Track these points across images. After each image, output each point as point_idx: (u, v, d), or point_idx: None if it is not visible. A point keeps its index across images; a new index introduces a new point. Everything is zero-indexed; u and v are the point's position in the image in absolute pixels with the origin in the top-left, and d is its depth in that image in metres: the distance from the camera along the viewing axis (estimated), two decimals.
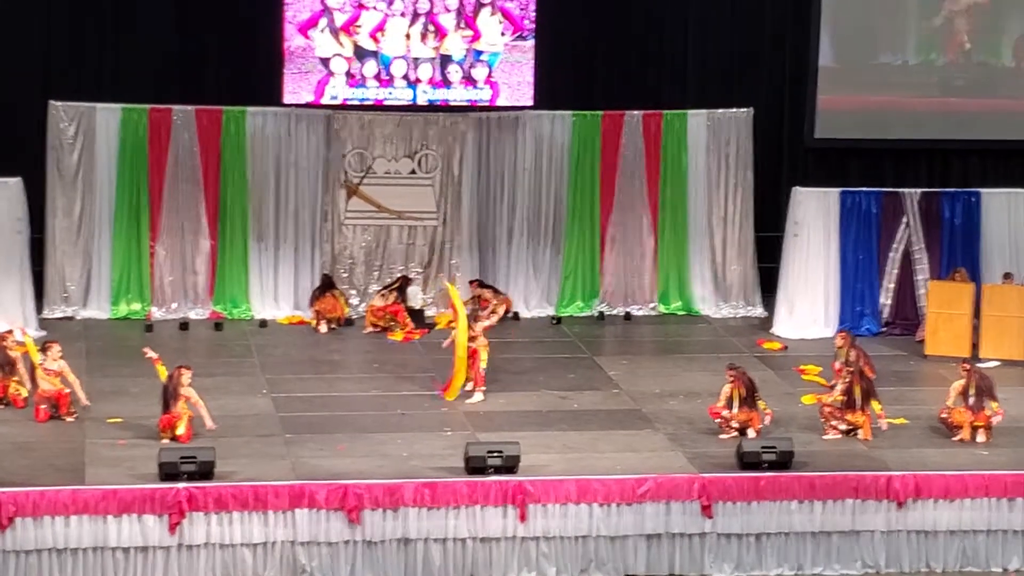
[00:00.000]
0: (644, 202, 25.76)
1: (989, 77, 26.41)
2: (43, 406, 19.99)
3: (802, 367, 22.75)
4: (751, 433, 19.65)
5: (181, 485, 17.54)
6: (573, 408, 20.96)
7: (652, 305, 25.82)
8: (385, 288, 24.78)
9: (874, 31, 26.26)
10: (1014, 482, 18.59)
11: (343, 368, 22.70)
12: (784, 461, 18.56)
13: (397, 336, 24.00)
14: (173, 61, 25.14)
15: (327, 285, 24.71)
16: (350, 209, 25.37)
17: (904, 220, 25.00)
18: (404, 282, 24.82)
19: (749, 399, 19.89)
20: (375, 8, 24.61)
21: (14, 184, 23.84)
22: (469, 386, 21.23)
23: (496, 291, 25.08)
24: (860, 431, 19.89)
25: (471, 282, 25.03)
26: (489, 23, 24.81)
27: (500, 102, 25.08)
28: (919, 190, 25.32)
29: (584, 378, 22.30)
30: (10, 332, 21.11)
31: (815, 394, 21.26)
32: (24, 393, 20.48)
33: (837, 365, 21.33)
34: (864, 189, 25.19)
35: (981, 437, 19.88)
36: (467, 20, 24.77)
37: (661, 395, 21.53)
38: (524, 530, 18.04)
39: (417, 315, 24.58)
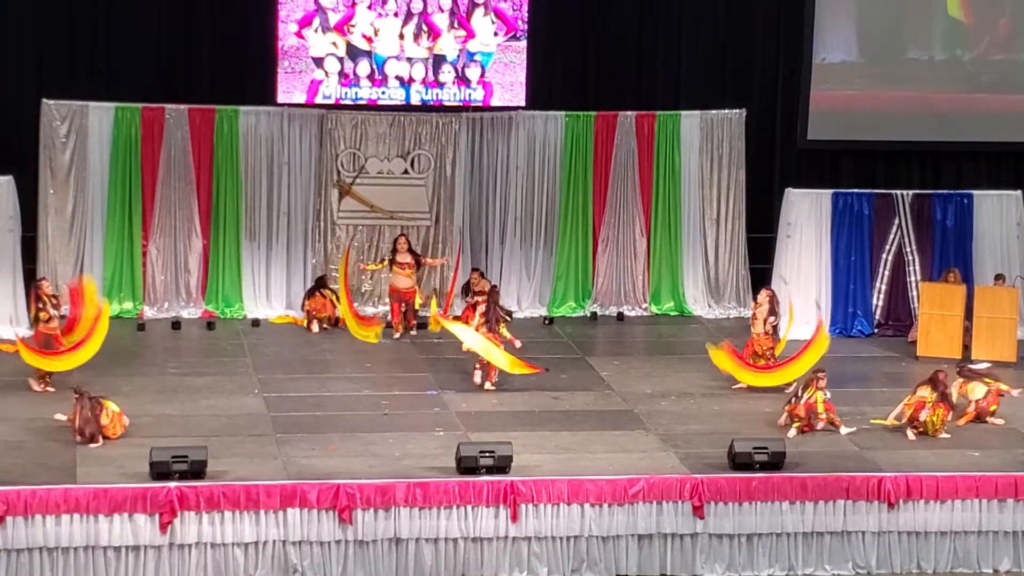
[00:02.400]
0: (637, 203, 25.78)
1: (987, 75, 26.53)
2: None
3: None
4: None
5: (172, 484, 17.53)
6: (565, 408, 20.96)
7: (644, 306, 25.84)
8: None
9: (873, 29, 26.34)
10: (1004, 483, 18.63)
11: (335, 368, 22.70)
12: (776, 462, 18.58)
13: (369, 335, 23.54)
14: (166, 60, 25.12)
15: (319, 285, 24.71)
16: (343, 209, 25.37)
17: (896, 221, 25.04)
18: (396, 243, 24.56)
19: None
20: (369, 8, 24.62)
21: (6, 182, 23.83)
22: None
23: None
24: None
25: (474, 270, 25.02)
26: (482, 23, 24.82)
27: (493, 102, 25.09)
28: (911, 191, 25.37)
29: (576, 378, 22.31)
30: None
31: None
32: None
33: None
34: (856, 190, 25.23)
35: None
36: (460, 20, 24.78)
37: (653, 395, 21.55)
38: (516, 530, 18.05)
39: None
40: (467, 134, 25.46)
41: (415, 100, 24.94)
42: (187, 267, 25.06)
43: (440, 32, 24.77)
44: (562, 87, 25.85)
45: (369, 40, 24.69)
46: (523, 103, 25.16)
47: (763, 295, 22.51)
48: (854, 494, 18.44)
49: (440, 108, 25.13)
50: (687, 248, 25.92)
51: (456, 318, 22.80)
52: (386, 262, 24.19)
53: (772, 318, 22.31)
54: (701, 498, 18.22)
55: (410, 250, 24.25)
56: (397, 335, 23.63)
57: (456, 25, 24.78)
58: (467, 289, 24.81)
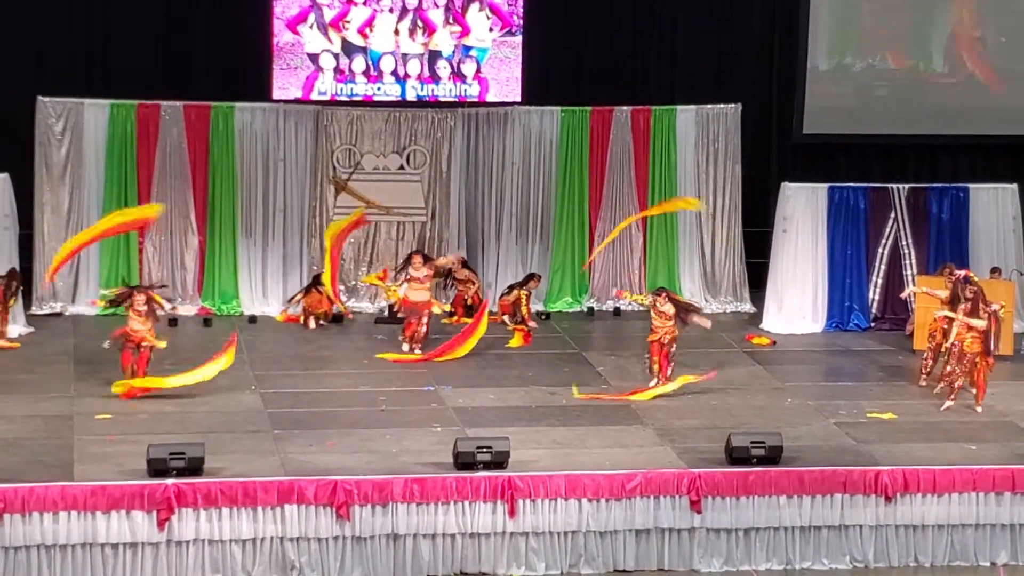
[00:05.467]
0: (633, 198, 25.78)
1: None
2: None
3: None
4: None
5: (170, 481, 17.52)
6: (562, 404, 20.96)
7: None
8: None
9: (862, 31, 26.38)
10: (1002, 476, 18.63)
11: (332, 364, 22.69)
12: (773, 456, 18.58)
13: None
14: (162, 57, 25.15)
15: (316, 282, 24.70)
16: (339, 205, 25.36)
17: (892, 215, 25.05)
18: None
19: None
20: (364, 4, 24.61)
21: (2, 180, 23.80)
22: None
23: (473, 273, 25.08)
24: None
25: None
26: (478, 19, 24.82)
27: (489, 98, 25.08)
28: (907, 185, 25.37)
29: (573, 373, 22.30)
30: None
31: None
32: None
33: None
34: (852, 184, 25.23)
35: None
36: (456, 16, 24.77)
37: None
38: (513, 525, 18.04)
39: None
40: (463, 130, 25.46)
41: (411, 96, 24.94)
42: (183, 264, 25.06)
43: (435, 28, 24.77)
44: (558, 82, 25.86)
45: (364, 36, 24.69)
46: (519, 98, 25.16)
47: (664, 297, 21.77)
48: (851, 488, 18.44)
49: (436, 104, 25.12)
50: (683, 243, 25.94)
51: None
52: (400, 282, 23.20)
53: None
54: (698, 492, 18.23)
55: (426, 263, 23.14)
56: (407, 347, 22.92)
57: (451, 21, 24.77)
58: (448, 273, 24.65)
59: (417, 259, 23.16)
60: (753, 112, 26.18)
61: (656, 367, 21.43)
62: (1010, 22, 26.67)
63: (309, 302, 24.50)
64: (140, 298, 20.90)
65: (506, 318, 24.41)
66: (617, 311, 25.62)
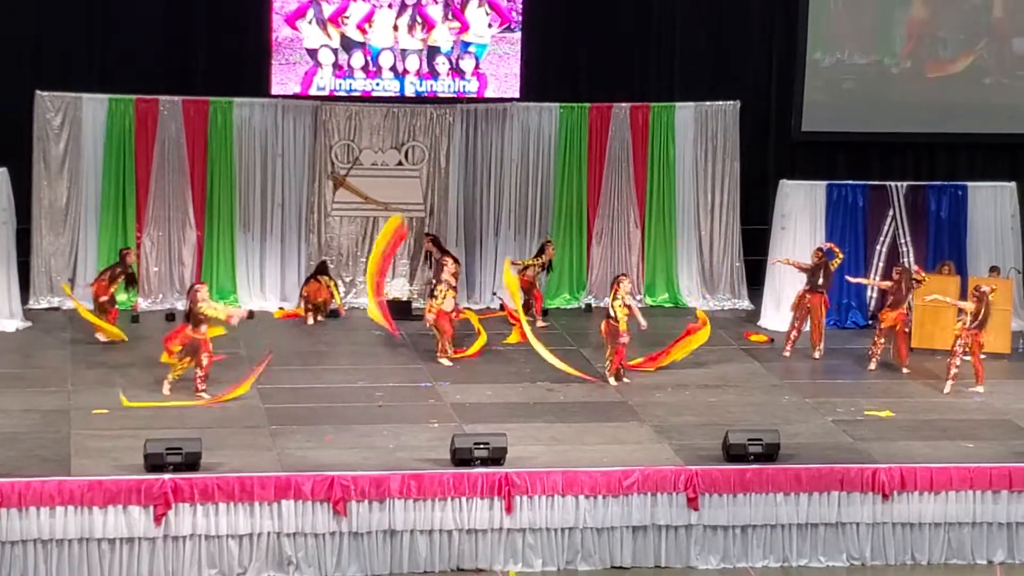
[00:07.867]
0: (631, 194, 25.80)
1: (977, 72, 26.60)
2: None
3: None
4: None
5: (167, 476, 17.52)
6: (560, 400, 20.96)
7: (639, 297, 25.83)
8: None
9: (859, 27, 26.40)
10: (998, 475, 18.62)
11: (330, 359, 22.70)
12: (770, 453, 18.58)
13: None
14: (160, 51, 25.16)
15: (319, 271, 24.69)
16: (337, 200, 25.38)
17: (890, 213, 25.05)
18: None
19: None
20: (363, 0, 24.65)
21: (0, 175, 23.79)
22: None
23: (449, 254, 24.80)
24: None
25: (426, 235, 24.87)
26: (477, 14, 24.81)
27: (487, 94, 25.08)
28: (905, 183, 25.38)
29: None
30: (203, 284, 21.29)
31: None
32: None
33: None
34: (851, 182, 25.24)
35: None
36: (455, 12, 24.77)
37: (648, 387, 21.54)
38: (510, 522, 18.04)
39: (404, 307, 24.58)
40: (461, 126, 25.46)
41: (409, 92, 24.93)
42: (181, 259, 25.07)
43: (434, 23, 24.76)
44: (556, 78, 25.87)
45: (363, 31, 24.69)
46: (517, 95, 25.16)
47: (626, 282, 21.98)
48: (848, 485, 18.44)
49: (434, 100, 25.12)
50: (682, 240, 25.95)
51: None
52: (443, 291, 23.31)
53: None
54: (696, 489, 18.22)
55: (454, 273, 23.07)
56: (450, 363, 22.62)
57: (450, 16, 24.77)
58: (428, 256, 24.53)
59: (456, 267, 23.14)
60: (752, 109, 26.18)
61: (617, 367, 21.55)
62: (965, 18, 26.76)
63: (309, 291, 24.50)
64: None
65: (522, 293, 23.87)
66: None
